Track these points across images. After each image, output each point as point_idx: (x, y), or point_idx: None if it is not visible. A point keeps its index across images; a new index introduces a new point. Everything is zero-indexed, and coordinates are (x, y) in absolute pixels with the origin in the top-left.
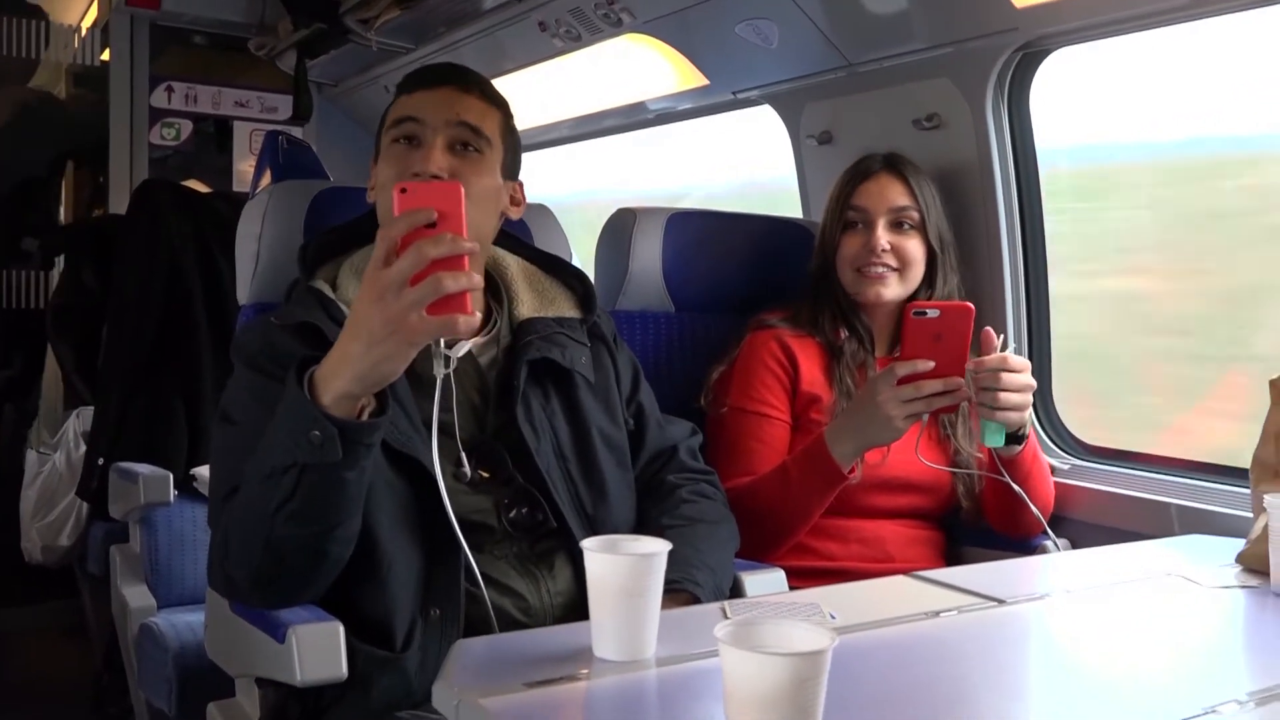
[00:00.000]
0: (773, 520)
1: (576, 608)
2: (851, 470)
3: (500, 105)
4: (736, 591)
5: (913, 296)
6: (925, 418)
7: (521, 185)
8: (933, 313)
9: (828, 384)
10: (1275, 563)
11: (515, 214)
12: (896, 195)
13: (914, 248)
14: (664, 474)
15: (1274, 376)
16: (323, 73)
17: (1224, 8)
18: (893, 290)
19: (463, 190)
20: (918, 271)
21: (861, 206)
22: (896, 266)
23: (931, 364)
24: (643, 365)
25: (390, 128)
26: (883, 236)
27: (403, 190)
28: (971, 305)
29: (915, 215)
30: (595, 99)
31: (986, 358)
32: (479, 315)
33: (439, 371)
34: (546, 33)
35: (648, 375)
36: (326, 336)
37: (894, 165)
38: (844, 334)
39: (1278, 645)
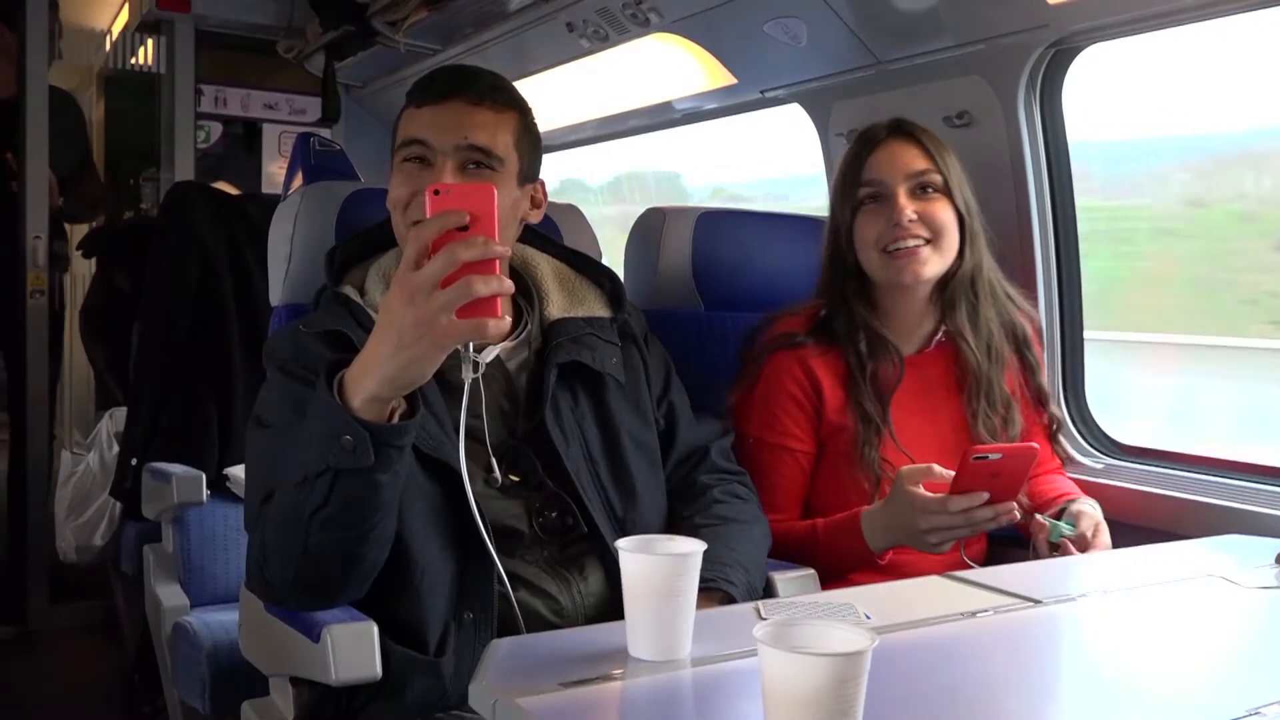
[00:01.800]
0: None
1: (608, 609)
2: (884, 556)
3: (515, 107)
4: (769, 592)
5: (946, 276)
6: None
7: (542, 184)
8: (994, 456)
9: (850, 411)
10: None
11: (535, 217)
12: (913, 159)
13: (943, 213)
14: (696, 474)
15: None
16: (351, 74)
17: (1263, 1)
18: (931, 267)
19: (495, 192)
20: (952, 240)
21: (876, 178)
22: (928, 237)
23: (986, 496)
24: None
25: (400, 147)
26: (907, 205)
27: (435, 192)
28: (1035, 446)
29: (938, 178)
30: (622, 99)
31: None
32: (508, 319)
33: (467, 376)
34: (574, 33)
35: (677, 374)
36: (355, 343)
37: (903, 129)
38: (862, 343)
39: None
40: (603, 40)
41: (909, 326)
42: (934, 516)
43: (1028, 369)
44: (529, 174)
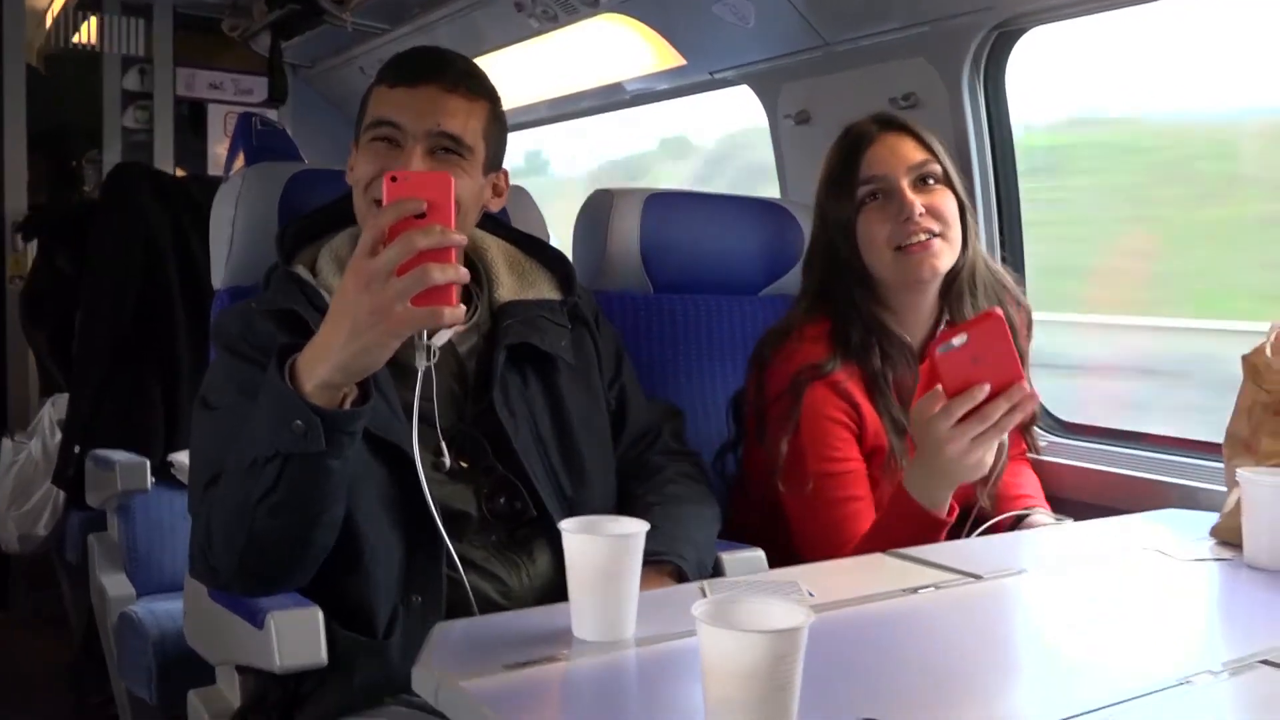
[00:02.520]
0: None
1: (556, 590)
2: (952, 511)
3: (486, 95)
4: (717, 571)
5: (953, 269)
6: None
7: (505, 174)
8: (959, 340)
9: (883, 429)
10: (1248, 535)
11: (496, 205)
12: (911, 151)
13: (948, 204)
14: (649, 454)
15: (1245, 352)
16: (297, 54)
17: None
18: (944, 260)
19: (453, 181)
20: (957, 231)
21: (876, 174)
22: (938, 230)
23: (986, 388)
24: None
25: (370, 126)
26: (916, 198)
27: (393, 179)
28: (998, 310)
29: (937, 169)
30: (572, 80)
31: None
32: (463, 308)
33: (420, 364)
34: (523, 13)
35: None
36: (307, 323)
37: (893, 123)
38: (877, 351)
39: (1251, 616)
40: (552, 20)
41: (913, 322)
42: (951, 433)
43: None
44: (494, 162)
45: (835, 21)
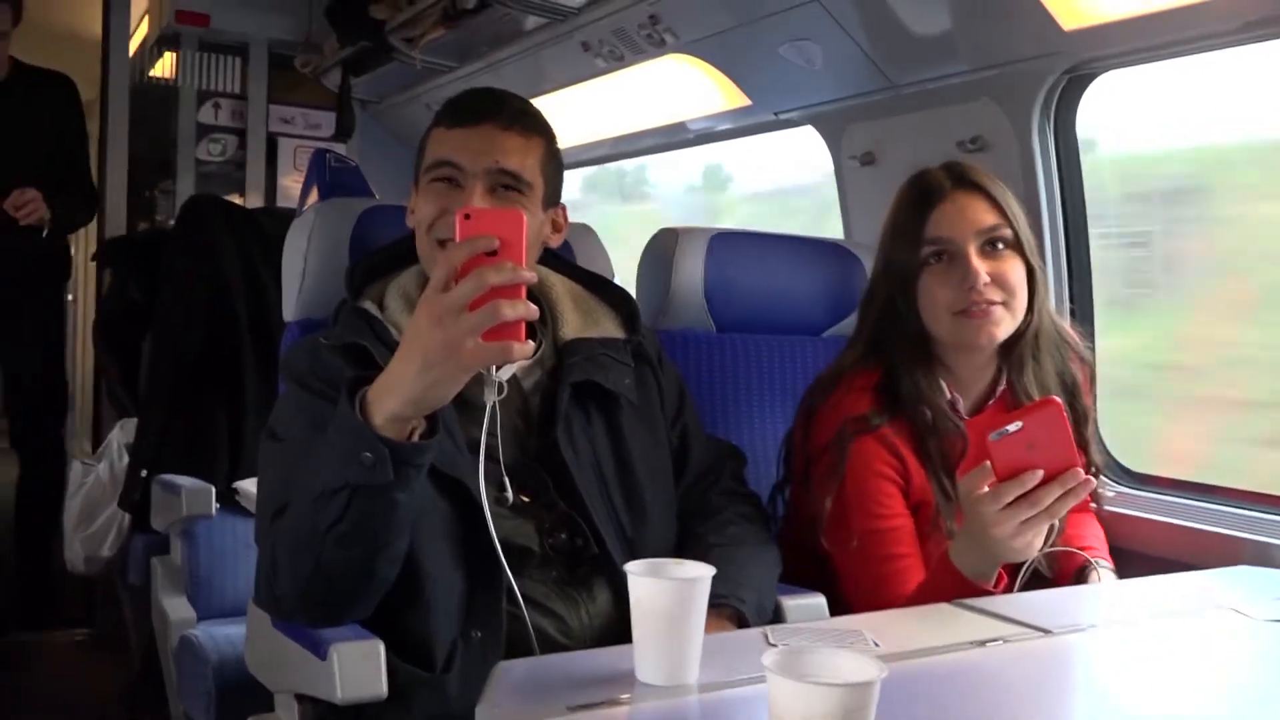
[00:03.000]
0: None
1: (615, 630)
2: (999, 581)
3: (542, 132)
4: (778, 616)
5: (1014, 334)
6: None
7: (564, 209)
8: (1014, 427)
9: (929, 484)
10: None
11: (555, 241)
12: (981, 213)
13: (1015, 272)
14: (710, 493)
15: None
16: (366, 90)
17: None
18: (1004, 328)
19: (525, 218)
20: (1023, 300)
21: (944, 236)
22: (1003, 300)
23: (1039, 473)
24: None
25: (429, 168)
26: (981, 267)
27: (466, 216)
28: (1056, 399)
29: (1008, 233)
30: (636, 118)
31: None
32: (531, 344)
33: (489, 398)
34: (589, 53)
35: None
36: (375, 358)
37: (966, 179)
38: (924, 410)
39: None
40: (618, 60)
41: (969, 382)
42: (999, 516)
43: (1075, 419)
44: (553, 198)
45: (902, 63)
